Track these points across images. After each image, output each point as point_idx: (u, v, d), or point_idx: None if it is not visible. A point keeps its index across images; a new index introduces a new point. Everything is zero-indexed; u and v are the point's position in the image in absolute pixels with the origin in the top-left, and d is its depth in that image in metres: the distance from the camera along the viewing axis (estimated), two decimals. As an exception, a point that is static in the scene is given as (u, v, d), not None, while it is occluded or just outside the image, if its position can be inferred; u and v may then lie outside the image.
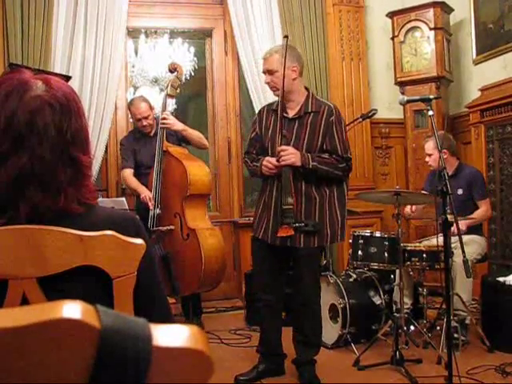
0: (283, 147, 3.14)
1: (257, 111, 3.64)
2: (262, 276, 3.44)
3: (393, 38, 5.74)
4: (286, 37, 3.23)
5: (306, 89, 3.39)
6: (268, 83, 3.33)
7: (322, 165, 3.17)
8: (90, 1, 5.06)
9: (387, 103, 6.02)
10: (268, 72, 3.29)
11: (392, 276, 4.20)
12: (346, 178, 3.37)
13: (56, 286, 1.15)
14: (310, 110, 3.27)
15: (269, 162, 3.21)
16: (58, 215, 1.18)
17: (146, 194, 4.40)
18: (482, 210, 4.23)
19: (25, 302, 1.13)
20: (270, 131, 3.34)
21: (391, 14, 5.73)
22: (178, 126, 4.50)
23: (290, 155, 3.12)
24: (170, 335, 0.57)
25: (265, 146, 3.35)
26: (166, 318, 1.33)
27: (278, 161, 3.15)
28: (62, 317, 0.50)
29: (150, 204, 4.33)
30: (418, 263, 3.91)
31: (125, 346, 0.54)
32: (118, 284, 1.16)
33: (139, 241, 1.17)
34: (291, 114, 3.30)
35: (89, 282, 1.17)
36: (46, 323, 0.49)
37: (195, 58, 6.10)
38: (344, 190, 3.33)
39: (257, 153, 3.41)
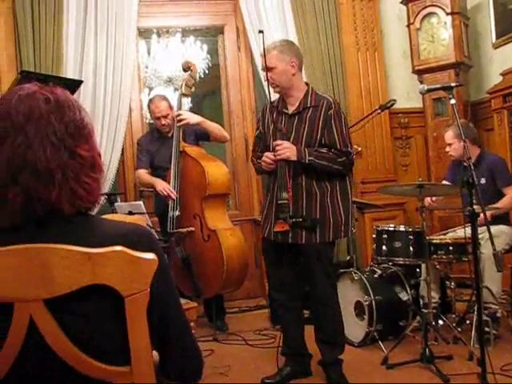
0: (278, 142, 3.13)
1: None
2: (273, 275, 3.41)
3: (408, 26, 5.60)
4: (260, 32, 3.22)
5: (307, 84, 3.36)
6: (267, 80, 3.28)
7: (320, 159, 3.12)
8: (99, 3, 5.01)
9: (405, 92, 5.89)
10: (267, 69, 3.23)
11: (418, 270, 4.10)
12: (349, 173, 3.31)
13: (65, 307, 1.08)
14: (308, 105, 3.24)
15: (267, 156, 3.20)
16: (51, 214, 1.14)
17: (162, 185, 4.30)
18: (509, 197, 4.08)
19: (32, 325, 1.06)
20: (271, 128, 3.31)
21: (406, 1, 5.59)
22: (194, 119, 4.44)
23: (285, 149, 3.10)
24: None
25: (267, 142, 3.33)
26: (184, 336, 1.26)
27: (274, 155, 3.13)
28: None
29: (171, 194, 4.23)
30: (444, 256, 3.80)
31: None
32: (130, 302, 1.09)
33: (151, 255, 1.10)
34: (291, 109, 3.28)
35: (99, 302, 1.10)
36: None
37: (208, 56, 6.02)
38: (347, 185, 3.27)
39: (261, 151, 3.38)
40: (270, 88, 3.35)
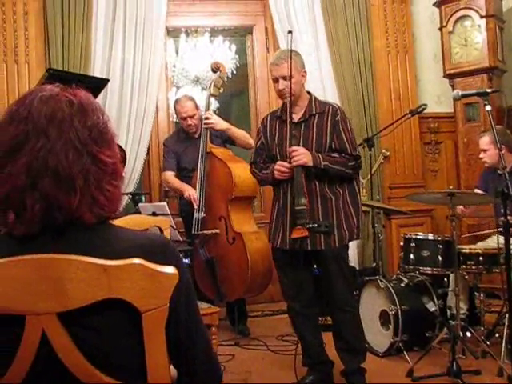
0: (294, 147, 3.08)
1: None
2: (288, 284, 3.33)
3: (441, 29, 5.49)
4: (289, 32, 3.21)
5: (309, 93, 3.33)
6: (281, 90, 3.18)
7: (333, 164, 3.11)
8: (128, 2, 5.01)
9: (436, 97, 5.79)
10: (282, 78, 3.15)
11: (445, 279, 3.98)
12: (357, 176, 3.33)
13: (79, 322, 1.03)
14: (314, 112, 3.21)
15: (281, 165, 3.13)
16: (70, 223, 1.08)
17: (190, 192, 4.29)
18: None
19: (44, 339, 1.02)
20: (276, 137, 3.27)
21: (439, 3, 5.48)
22: (221, 125, 4.40)
23: (302, 155, 3.05)
24: None
25: (272, 153, 3.28)
26: (204, 352, 1.20)
27: (289, 162, 3.08)
28: None
29: (194, 204, 4.22)
30: (474, 267, 3.69)
31: None
32: (147, 318, 1.04)
33: (171, 269, 1.04)
34: (296, 118, 3.23)
35: (115, 316, 1.05)
36: None
37: (237, 56, 5.97)
38: (355, 189, 3.27)
39: (264, 162, 3.33)
40: (279, 96, 3.30)
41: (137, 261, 1.02)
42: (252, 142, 4.52)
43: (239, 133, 4.49)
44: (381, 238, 4.30)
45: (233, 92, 7.05)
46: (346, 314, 3.24)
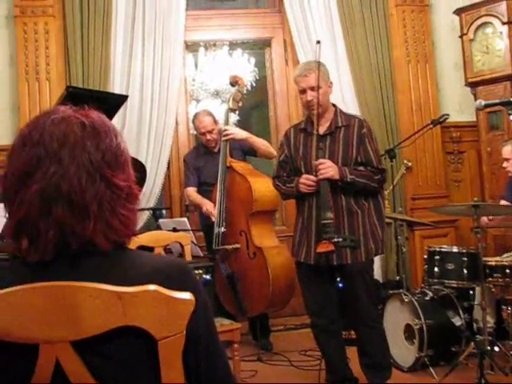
0: (321, 160, 3.06)
1: None
2: (313, 300, 3.29)
3: (461, 37, 5.41)
4: (318, 42, 3.21)
5: (334, 105, 3.31)
6: (310, 101, 3.15)
7: (360, 178, 3.09)
8: (147, 18, 5.04)
9: (457, 106, 5.71)
10: (310, 89, 3.13)
11: (471, 292, 3.90)
12: (382, 190, 3.29)
13: (94, 350, 1.01)
14: (340, 125, 3.19)
15: (307, 178, 3.10)
16: (84, 249, 1.06)
17: (207, 206, 4.28)
18: None
19: (58, 368, 0.99)
20: (300, 150, 3.23)
21: (459, 11, 5.41)
22: (241, 134, 4.40)
23: (329, 168, 3.03)
24: None
25: (297, 166, 3.24)
26: (224, 373, 1.17)
27: (315, 175, 3.05)
28: None
29: (212, 217, 4.21)
30: (500, 279, 3.61)
31: None
32: (164, 346, 1.01)
33: (187, 295, 1.02)
34: (321, 130, 3.20)
35: (131, 344, 1.02)
36: None
37: (256, 69, 5.97)
38: (380, 202, 3.24)
39: (288, 175, 3.30)
40: (306, 108, 3.28)
41: (152, 287, 0.99)
42: (273, 151, 4.48)
43: (260, 142, 4.47)
44: (404, 251, 4.23)
45: (252, 105, 7.06)
46: (371, 329, 3.20)
